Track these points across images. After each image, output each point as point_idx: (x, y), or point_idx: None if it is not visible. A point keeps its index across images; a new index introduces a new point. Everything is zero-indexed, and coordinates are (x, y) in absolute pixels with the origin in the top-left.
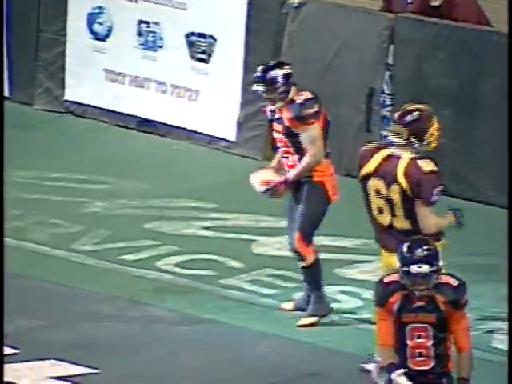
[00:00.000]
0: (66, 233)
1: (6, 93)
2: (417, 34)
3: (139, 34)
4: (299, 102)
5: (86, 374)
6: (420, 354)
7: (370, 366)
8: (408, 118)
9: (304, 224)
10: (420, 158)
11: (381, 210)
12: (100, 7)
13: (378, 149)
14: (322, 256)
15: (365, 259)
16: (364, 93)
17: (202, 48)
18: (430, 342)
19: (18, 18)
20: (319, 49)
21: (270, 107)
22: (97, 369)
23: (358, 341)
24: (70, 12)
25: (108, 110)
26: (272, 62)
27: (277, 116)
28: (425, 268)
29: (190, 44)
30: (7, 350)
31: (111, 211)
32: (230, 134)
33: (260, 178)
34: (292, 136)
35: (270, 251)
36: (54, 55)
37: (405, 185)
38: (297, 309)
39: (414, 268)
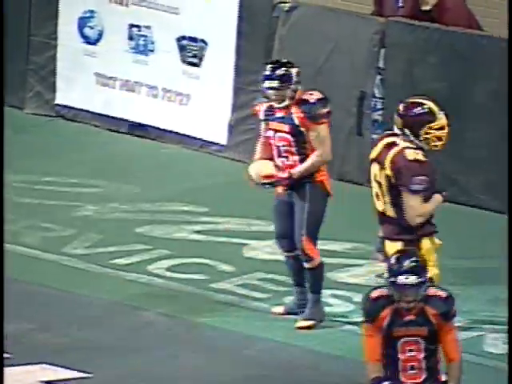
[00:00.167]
0: (58, 236)
1: None
2: (408, 38)
3: (130, 37)
4: (312, 101)
5: (78, 379)
6: (412, 368)
7: None
8: (404, 109)
9: (310, 225)
10: (412, 149)
11: (377, 196)
12: (91, 11)
13: (387, 136)
14: None
15: (355, 263)
16: (355, 96)
17: (194, 52)
18: (422, 355)
19: (9, 22)
20: (310, 52)
21: (264, 106)
22: (89, 373)
23: (348, 344)
24: (60, 16)
25: (99, 114)
26: (282, 60)
27: (279, 115)
28: (412, 279)
29: (182, 48)
30: None
31: (103, 215)
32: (222, 137)
33: (260, 171)
34: (298, 135)
35: (261, 255)
36: (45, 59)
37: (389, 171)
38: (287, 313)
39: (401, 279)
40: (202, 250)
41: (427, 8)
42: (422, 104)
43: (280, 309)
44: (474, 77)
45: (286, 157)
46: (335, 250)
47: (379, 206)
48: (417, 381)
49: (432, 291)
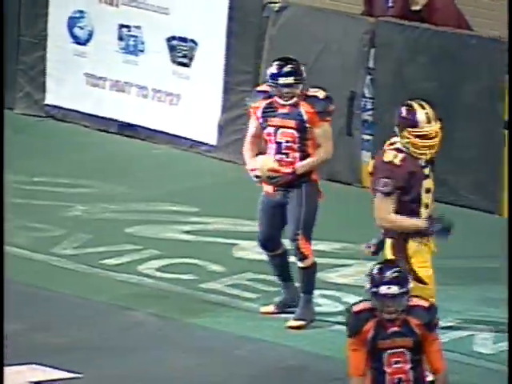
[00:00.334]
0: (47, 237)
1: None
2: (397, 37)
3: (120, 38)
4: (322, 97)
5: (67, 379)
6: (400, 380)
7: None
8: (400, 108)
9: (307, 224)
10: (396, 150)
11: None
12: (81, 11)
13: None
14: None
15: (344, 263)
16: (345, 96)
17: (183, 52)
18: (408, 366)
19: None
20: (300, 52)
21: (263, 104)
22: (78, 373)
23: (338, 344)
24: (50, 16)
25: (89, 115)
26: (289, 56)
27: (282, 111)
28: (394, 289)
29: (172, 48)
30: None
31: (92, 215)
32: (211, 138)
33: (265, 164)
34: (303, 132)
35: (250, 255)
36: (35, 59)
37: (369, 170)
38: (277, 312)
39: (383, 289)
40: (191, 250)
41: (417, 8)
42: (411, 107)
43: (269, 308)
44: (463, 77)
45: (287, 154)
46: (324, 250)
47: None
48: None
49: (414, 301)
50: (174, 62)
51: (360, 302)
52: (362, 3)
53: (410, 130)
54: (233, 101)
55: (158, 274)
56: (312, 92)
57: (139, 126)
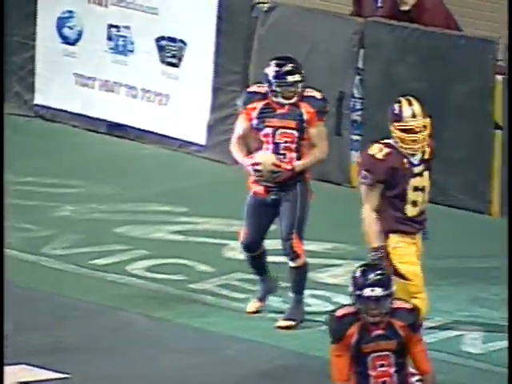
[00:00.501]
0: (36, 237)
1: None
2: (387, 38)
3: (109, 38)
4: (319, 97)
5: (57, 379)
6: (384, 383)
7: None
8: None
9: (301, 224)
10: (383, 144)
11: None
12: (70, 11)
13: None
14: None
15: (335, 263)
16: (334, 97)
17: (173, 52)
18: (393, 369)
19: None
20: (289, 52)
21: (260, 104)
22: (68, 374)
23: (327, 344)
24: (39, 16)
25: (78, 115)
26: (286, 55)
27: (281, 111)
28: (378, 291)
29: (161, 48)
30: None
31: (81, 215)
32: (201, 138)
33: (268, 159)
34: (301, 132)
35: (240, 255)
36: (24, 59)
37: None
38: (261, 305)
39: (366, 291)
40: (181, 250)
41: (406, 8)
42: (399, 102)
43: (255, 305)
44: (452, 77)
45: (284, 154)
46: (315, 250)
47: None
48: None
49: (397, 303)
50: (163, 62)
51: (342, 306)
52: (351, 4)
53: (395, 124)
54: (222, 101)
55: (148, 274)
56: (309, 92)
57: (128, 126)
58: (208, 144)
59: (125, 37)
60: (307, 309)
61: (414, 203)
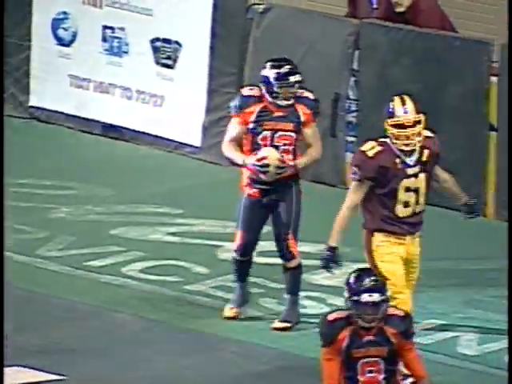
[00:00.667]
0: (32, 239)
1: None
2: (382, 39)
3: (104, 39)
4: (313, 98)
5: (52, 381)
6: None
7: None
8: None
9: (296, 224)
10: (378, 142)
11: None
12: (64, 13)
13: None
14: None
15: None
16: (329, 98)
17: (167, 53)
18: (382, 376)
19: None
20: (284, 54)
21: (258, 108)
22: (63, 375)
23: None
24: (34, 17)
25: (73, 116)
26: (282, 57)
27: (278, 114)
28: (375, 296)
29: (155, 49)
30: None
31: (77, 217)
32: (196, 139)
33: (275, 154)
34: (298, 133)
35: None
36: (19, 61)
37: None
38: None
39: (364, 297)
40: (176, 251)
41: (401, 10)
42: (392, 100)
43: (232, 312)
44: (447, 78)
45: (282, 156)
46: (309, 252)
47: None
48: None
49: (390, 310)
50: (157, 63)
51: (335, 310)
52: (346, 5)
53: (388, 121)
54: (217, 102)
55: (143, 275)
56: (301, 93)
57: (123, 128)
58: (203, 145)
59: (119, 38)
60: (303, 310)
61: (406, 204)
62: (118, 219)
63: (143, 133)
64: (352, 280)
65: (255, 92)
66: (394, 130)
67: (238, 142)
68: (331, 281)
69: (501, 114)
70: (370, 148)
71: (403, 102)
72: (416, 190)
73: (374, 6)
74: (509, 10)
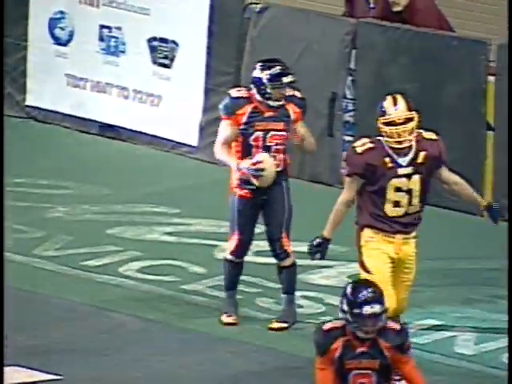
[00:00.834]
0: (29, 238)
1: None
2: (379, 38)
3: (101, 39)
4: (300, 96)
5: (49, 381)
6: None
7: None
8: None
9: (288, 222)
10: (371, 139)
11: None
12: (61, 12)
13: None
14: None
15: (326, 264)
16: (326, 98)
17: (164, 53)
18: None
19: None
20: (281, 53)
21: (249, 108)
22: (60, 375)
23: None
24: (31, 17)
25: (70, 116)
26: (273, 57)
27: (269, 114)
28: (377, 308)
29: (152, 49)
30: None
31: (74, 217)
32: (193, 139)
33: (271, 160)
34: (289, 132)
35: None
36: (16, 60)
37: None
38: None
39: (367, 309)
40: (173, 251)
41: (398, 9)
42: (385, 99)
43: (231, 319)
44: (445, 78)
45: (274, 156)
46: (306, 252)
47: None
48: None
49: (386, 323)
50: (154, 62)
51: (330, 321)
52: (343, 4)
53: (380, 119)
54: (214, 102)
55: (139, 275)
56: (289, 92)
57: (120, 127)
58: (200, 145)
59: (116, 37)
60: (299, 310)
61: (397, 204)
62: (114, 219)
63: (140, 132)
64: (350, 292)
65: (244, 93)
66: (386, 128)
67: (229, 144)
68: (328, 280)
69: (498, 114)
70: (361, 145)
71: (395, 100)
72: (409, 191)
73: (371, 5)
74: (509, 10)
